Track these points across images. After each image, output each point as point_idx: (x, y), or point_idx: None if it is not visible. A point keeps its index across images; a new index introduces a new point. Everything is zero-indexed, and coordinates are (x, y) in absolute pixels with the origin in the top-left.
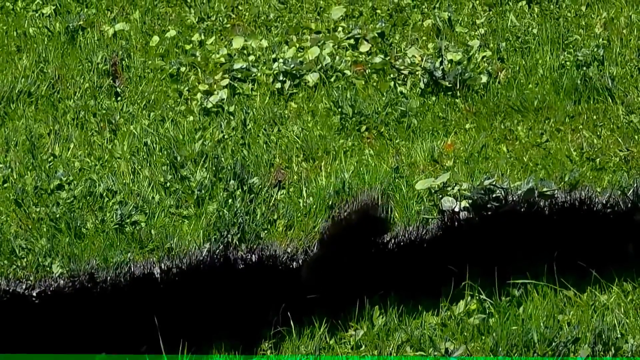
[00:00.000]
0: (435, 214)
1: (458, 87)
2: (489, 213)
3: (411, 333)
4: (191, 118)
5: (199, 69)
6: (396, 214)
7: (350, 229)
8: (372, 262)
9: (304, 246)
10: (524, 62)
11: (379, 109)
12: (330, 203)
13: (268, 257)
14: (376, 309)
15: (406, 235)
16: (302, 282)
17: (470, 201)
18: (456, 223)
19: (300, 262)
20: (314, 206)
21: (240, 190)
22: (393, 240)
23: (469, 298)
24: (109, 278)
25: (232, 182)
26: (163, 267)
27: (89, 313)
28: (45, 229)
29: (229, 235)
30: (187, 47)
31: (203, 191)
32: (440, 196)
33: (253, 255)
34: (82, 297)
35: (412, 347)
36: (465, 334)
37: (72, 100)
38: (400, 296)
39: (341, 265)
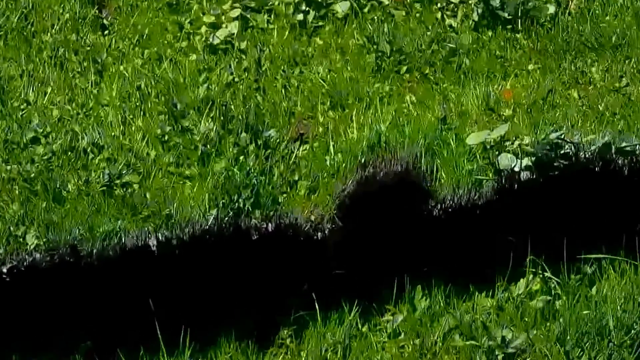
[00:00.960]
0: (490, 175)
1: (520, 19)
2: (556, 173)
3: (460, 318)
4: (194, 57)
5: None
6: (443, 174)
7: (387, 193)
8: (413, 233)
9: (330, 213)
10: None
11: (423, 46)
12: (362, 161)
13: (287, 226)
14: (418, 289)
15: (455, 200)
16: (329, 256)
17: (533, 159)
18: (516, 185)
19: (326, 232)
20: (343, 165)
21: (253, 145)
22: (439, 206)
23: (531, 276)
24: (95, 251)
25: (243, 135)
26: (160, 238)
27: (71, 294)
28: (17, 192)
29: (240, 200)
30: None
31: (209, 146)
32: (497, 152)
33: (269, 224)
34: (63, 274)
35: (462, 335)
36: (527, 319)
37: (49, 35)
38: (447, 274)
39: (376, 237)
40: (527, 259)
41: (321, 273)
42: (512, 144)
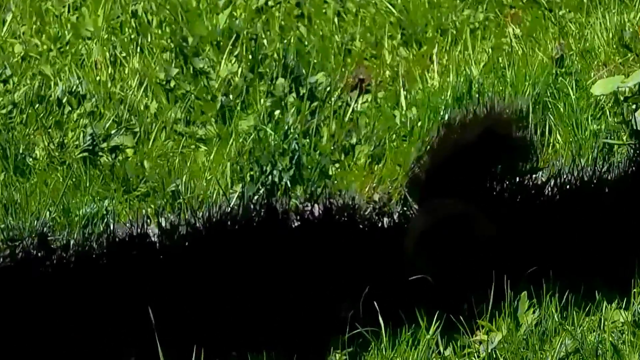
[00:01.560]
0: (624, 138)
1: None
2: None
3: (582, 339)
4: None
5: None
6: (558, 137)
7: (479, 162)
8: (515, 219)
9: (401, 191)
10: None
11: None
12: (446, 118)
13: (341, 209)
14: (523, 297)
15: (575, 173)
16: (398, 251)
17: None
18: None
19: (394, 218)
20: (419, 123)
21: (294, 95)
22: (552, 182)
23: None
24: (72, 242)
25: (280, 81)
26: (164, 224)
27: (40, 300)
28: None
29: (274, 172)
30: None
31: (231, 96)
32: (634, 107)
33: (315, 207)
34: (27, 273)
35: None
36: None
37: None
38: (562, 277)
39: (463, 225)
40: None
41: (387, 274)
42: None
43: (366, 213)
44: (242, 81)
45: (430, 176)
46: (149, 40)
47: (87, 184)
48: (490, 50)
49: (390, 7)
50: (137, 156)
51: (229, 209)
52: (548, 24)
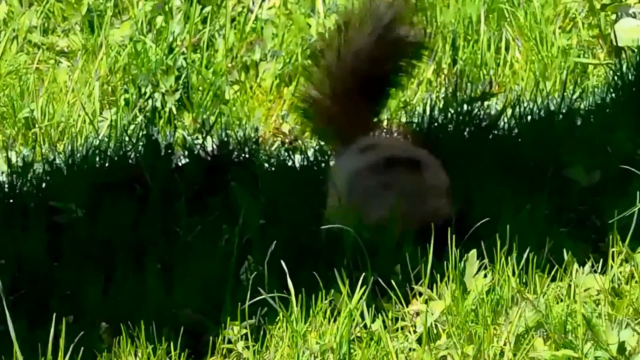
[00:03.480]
0: (602, 56)
1: None
2: None
3: (547, 310)
4: None
5: None
6: (517, 54)
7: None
8: (462, 157)
9: None
10: None
11: None
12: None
13: (240, 143)
14: (471, 257)
15: (538, 101)
16: (313, 199)
17: None
18: None
19: (309, 155)
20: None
21: None
22: (509, 112)
23: None
24: None
25: None
26: (14, 160)
27: None
28: None
29: (155, 95)
30: None
31: None
32: (614, 17)
33: (208, 140)
34: None
35: (548, 340)
36: None
37: None
38: (521, 231)
39: (399, 167)
40: None
41: (300, 227)
42: None
43: (273, 149)
44: None
45: (341, 100)
46: None
47: None
48: None
49: None
50: None
51: (98, 141)
52: None
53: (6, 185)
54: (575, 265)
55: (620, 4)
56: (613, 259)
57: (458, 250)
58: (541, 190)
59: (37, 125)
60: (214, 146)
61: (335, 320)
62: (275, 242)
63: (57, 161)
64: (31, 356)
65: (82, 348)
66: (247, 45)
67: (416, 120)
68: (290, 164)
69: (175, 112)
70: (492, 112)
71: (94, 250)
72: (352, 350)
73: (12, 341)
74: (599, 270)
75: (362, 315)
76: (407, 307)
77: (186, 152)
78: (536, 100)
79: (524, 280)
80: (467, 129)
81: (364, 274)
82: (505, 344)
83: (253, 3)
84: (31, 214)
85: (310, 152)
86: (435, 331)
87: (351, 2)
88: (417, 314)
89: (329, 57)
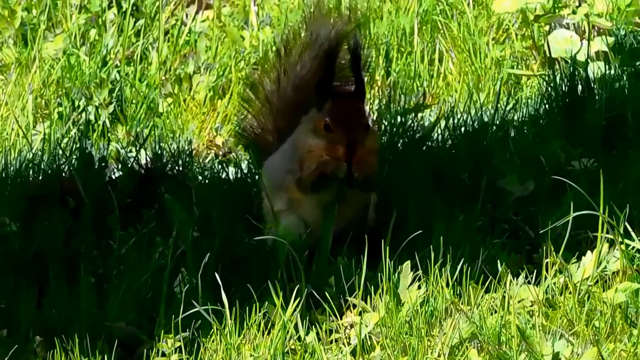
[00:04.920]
0: (536, 67)
1: None
2: None
3: (481, 322)
4: None
5: None
6: (451, 66)
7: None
8: (396, 169)
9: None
10: None
11: None
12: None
13: (174, 156)
14: (405, 268)
15: (472, 112)
16: (247, 211)
17: (610, 40)
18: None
19: (243, 167)
20: (274, 47)
21: (114, 10)
22: (443, 124)
23: (606, 248)
24: None
25: None
26: None
27: None
28: None
29: (89, 108)
30: None
31: (35, 11)
32: (548, 29)
33: (142, 152)
34: None
35: (483, 351)
36: (598, 323)
37: None
38: (456, 241)
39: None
40: (600, 220)
41: (233, 240)
42: (574, 12)
43: (207, 161)
44: None
45: (279, 115)
46: None
47: None
48: None
49: None
50: None
51: (31, 154)
52: None
53: None
54: (509, 276)
55: (554, 16)
56: (547, 270)
57: (392, 262)
58: (475, 201)
59: None
60: (148, 159)
61: (269, 333)
62: (208, 254)
63: None
64: None
65: None
66: (181, 58)
67: None
68: (224, 176)
69: (109, 125)
70: (426, 124)
71: (27, 263)
72: None
73: None
74: (533, 281)
75: (296, 328)
76: (341, 319)
77: (120, 165)
78: (470, 111)
79: (458, 292)
80: (401, 141)
81: (298, 285)
82: (439, 356)
83: (187, 16)
84: None
85: (244, 165)
86: (369, 343)
87: (285, 15)
88: (351, 325)
89: (268, 87)
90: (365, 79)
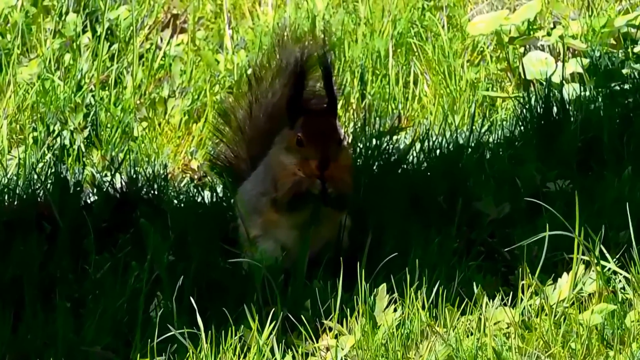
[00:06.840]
0: (511, 89)
1: None
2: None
3: (457, 344)
4: None
5: None
6: (426, 88)
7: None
8: (372, 192)
9: (226, 156)
10: None
11: None
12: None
13: (149, 180)
14: (381, 291)
15: (447, 135)
16: (222, 234)
17: (585, 61)
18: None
19: (218, 191)
20: (249, 71)
21: (89, 34)
22: (418, 146)
23: (582, 270)
24: None
25: (71, 16)
26: None
27: None
28: None
29: (64, 133)
30: None
31: (9, 36)
32: (522, 51)
33: (117, 177)
34: None
35: None
36: (574, 345)
37: None
38: (431, 264)
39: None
40: (575, 242)
41: (207, 264)
42: (549, 34)
43: (182, 185)
44: (23, 17)
45: (253, 140)
46: None
47: None
48: None
49: None
50: None
51: (6, 179)
52: None
53: None
54: (485, 299)
55: (529, 38)
56: (523, 292)
57: (368, 285)
58: (451, 223)
59: None
60: (123, 183)
61: (245, 356)
62: (183, 278)
63: None
64: None
65: None
66: (156, 82)
67: None
68: (199, 200)
69: (84, 150)
70: (401, 146)
71: (3, 288)
72: None
73: None
74: (509, 303)
75: (272, 351)
76: (317, 342)
77: (95, 190)
78: (445, 134)
79: (434, 314)
80: (376, 163)
81: (274, 309)
82: None
83: (161, 40)
84: None
85: (219, 188)
86: None
87: (259, 39)
88: (328, 349)
89: (240, 116)
90: (338, 95)
